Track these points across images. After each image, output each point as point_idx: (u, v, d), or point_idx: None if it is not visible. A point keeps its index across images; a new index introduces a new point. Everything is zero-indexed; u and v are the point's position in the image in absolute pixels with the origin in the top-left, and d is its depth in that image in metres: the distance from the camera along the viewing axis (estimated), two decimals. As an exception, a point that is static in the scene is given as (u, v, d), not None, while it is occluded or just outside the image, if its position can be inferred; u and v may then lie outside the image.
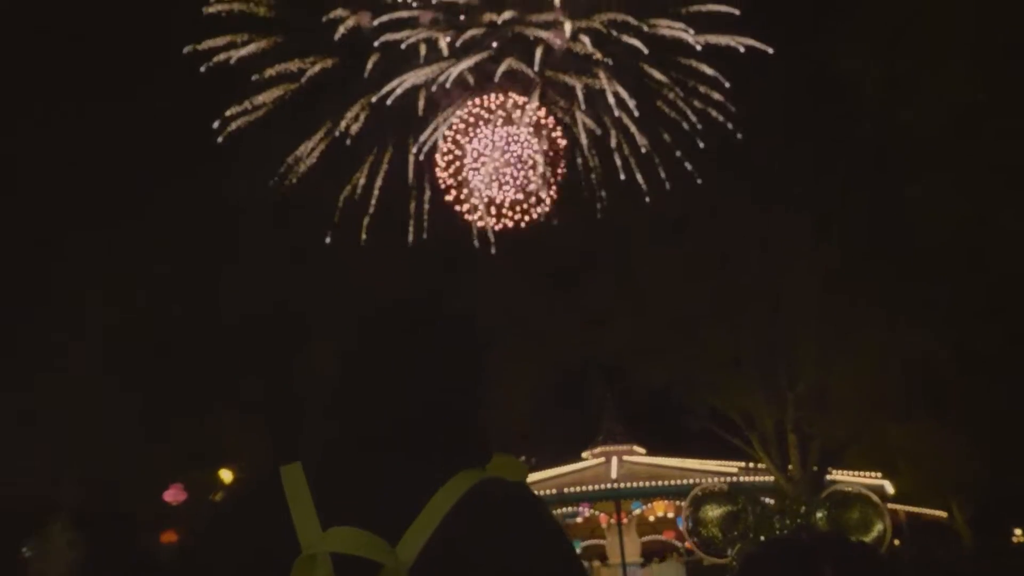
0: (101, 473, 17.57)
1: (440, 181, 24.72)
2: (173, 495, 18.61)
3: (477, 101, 24.16)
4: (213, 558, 1.29)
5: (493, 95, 24.13)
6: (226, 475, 18.57)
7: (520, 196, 24.25)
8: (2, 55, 19.81)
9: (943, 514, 25.32)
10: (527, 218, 24.41)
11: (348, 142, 23.50)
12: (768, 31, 18.15)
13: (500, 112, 23.98)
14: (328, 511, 1.20)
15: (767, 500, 22.33)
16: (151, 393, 18.51)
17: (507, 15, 21.22)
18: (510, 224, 24.48)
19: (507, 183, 24.18)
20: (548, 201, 24.40)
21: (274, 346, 20.44)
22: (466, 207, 24.53)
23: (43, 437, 17.84)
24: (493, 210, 24.34)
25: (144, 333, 19.08)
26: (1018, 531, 30.08)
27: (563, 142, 24.72)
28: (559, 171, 24.56)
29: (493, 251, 24.24)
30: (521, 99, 23.83)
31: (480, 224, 24.72)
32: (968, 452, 20.71)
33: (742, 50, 18.06)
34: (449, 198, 24.72)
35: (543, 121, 24.08)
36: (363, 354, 1.42)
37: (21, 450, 17.93)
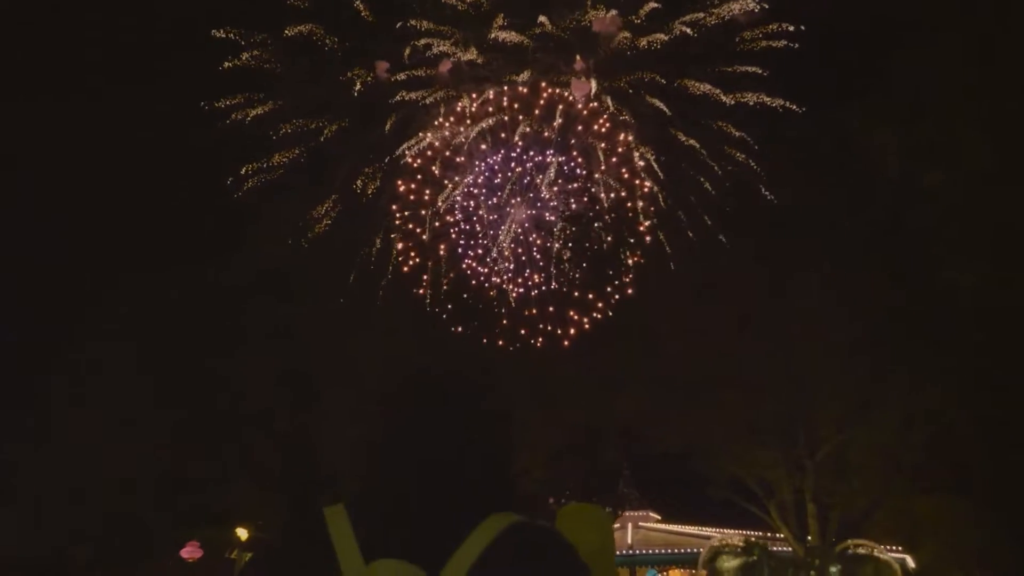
0: (119, 530, 17.53)
1: (401, 259, 20.12)
2: (189, 552, 18.47)
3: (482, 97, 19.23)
4: None
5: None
6: (242, 532, 18.39)
7: (559, 283, 18.92)
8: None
9: (966, 589, 24.69)
10: (573, 328, 18.88)
11: (365, 202, 23.09)
12: (794, 96, 18.29)
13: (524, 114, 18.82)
14: (370, 549, 1.26)
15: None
16: (171, 454, 18.52)
17: (526, 75, 21.02)
18: (538, 343, 19.10)
19: (537, 258, 19.45)
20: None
21: (290, 411, 20.22)
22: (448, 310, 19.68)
23: (64, 495, 17.83)
24: (507, 307, 19.29)
25: (165, 395, 19.07)
26: (1043, 609, 29.25)
27: (645, 185, 19.27)
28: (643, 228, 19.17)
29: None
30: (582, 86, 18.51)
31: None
32: (992, 525, 20.31)
33: (780, 110, 17.82)
34: (421, 291, 19.94)
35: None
36: (401, 418, 1.50)
37: (41, 507, 17.93)
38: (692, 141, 19.45)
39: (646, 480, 25.04)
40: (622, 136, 19.87)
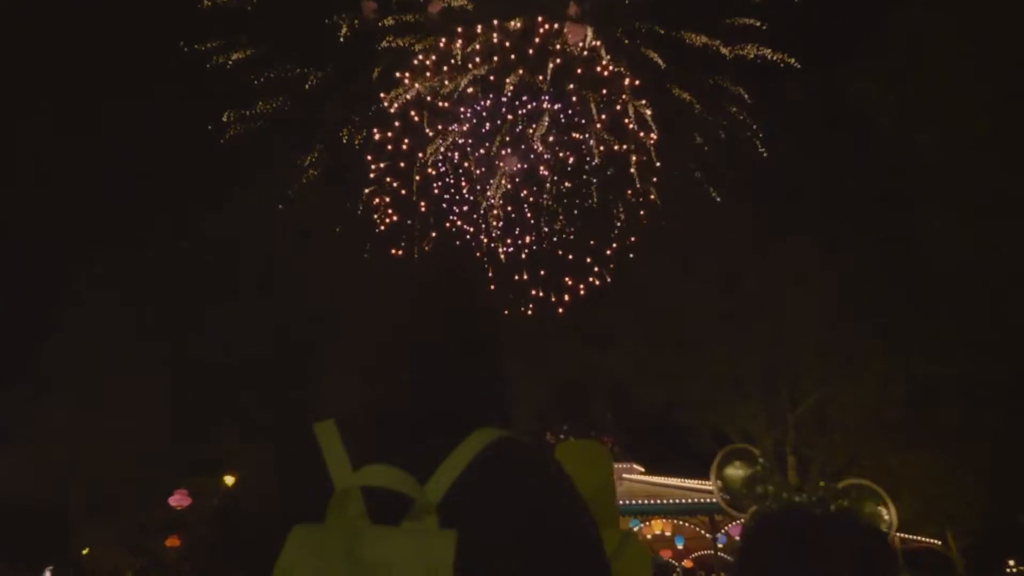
0: (109, 478, 17.65)
1: (377, 217, 19.51)
2: (178, 500, 18.62)
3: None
4: (251, 505, 1.39)
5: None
6: (230, 480, 18.52)
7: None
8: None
9: (938, 543, 25.36)
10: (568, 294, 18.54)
11: (351, 153, 22.42)
12: (792, 50, 18.01)
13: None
14: (359, 460, 1.27)
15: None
16: (161, 406, 18.52)
17: (518, 22, 20.30)
18: (528, 310, 18.44)
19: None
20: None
21: (280, 362, 20.17)
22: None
23: (55, 443, 17.85)
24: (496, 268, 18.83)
25: (156, 349, 18.97)
26: (1011, 562, 30.20)
27: (650, 138, 18.81)
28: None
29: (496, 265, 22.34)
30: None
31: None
32: (966, 482, 20.80)
33: (781, 64, 17.47)
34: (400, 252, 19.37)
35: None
36: (394, 336, 1.52)
37: (32, 454, 17.95)
38: (686, 95, 19.26)
39: (630, 432, 25.41)
40: (624, 83, 19.50)
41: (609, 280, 20.14)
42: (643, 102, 20.06)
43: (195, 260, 19.54)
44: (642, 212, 20.25)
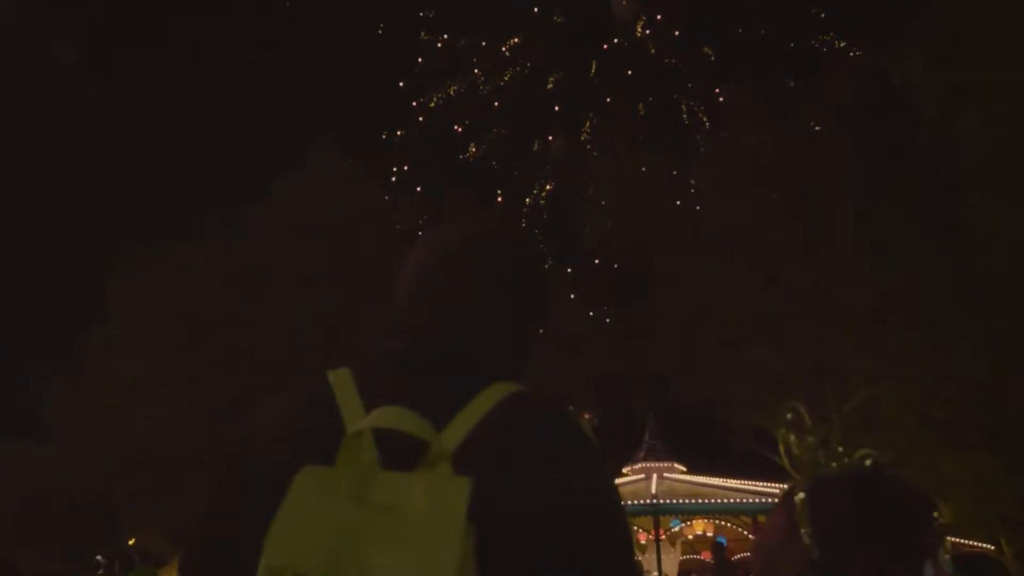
0: (153, 468, 17.99)
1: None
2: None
3: None
4: (258, 449, 1.32)
5: None
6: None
7: None
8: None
9: (991, 547, 24.59)
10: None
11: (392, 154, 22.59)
12: (850, 38, 17.73)
13: None
14: (373, 406, 1.21)
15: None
16: (207, 397, 18.82)
17: (560, 19, 20.16)
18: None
19: None
20: None
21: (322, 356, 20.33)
22: None
23: (98, 434, 18.26)
24: None
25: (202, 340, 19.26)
26: (1069, 569, 29.15)
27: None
28: None
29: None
30: None
31: None
32: (1020, 484, 20.13)
33: (852, 53, 17.24)
34: None
35: None
36: (421, 283, 1.46)
37: (75, 445, 18.36)
38: (736, 88, 19.01)
39: (673, 432, 25.14)
40: (676, 75, 19.47)
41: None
42: (693, 101, 19.97)
43: (237, 255, 19.83)
44: (684, 204, 20.04)
